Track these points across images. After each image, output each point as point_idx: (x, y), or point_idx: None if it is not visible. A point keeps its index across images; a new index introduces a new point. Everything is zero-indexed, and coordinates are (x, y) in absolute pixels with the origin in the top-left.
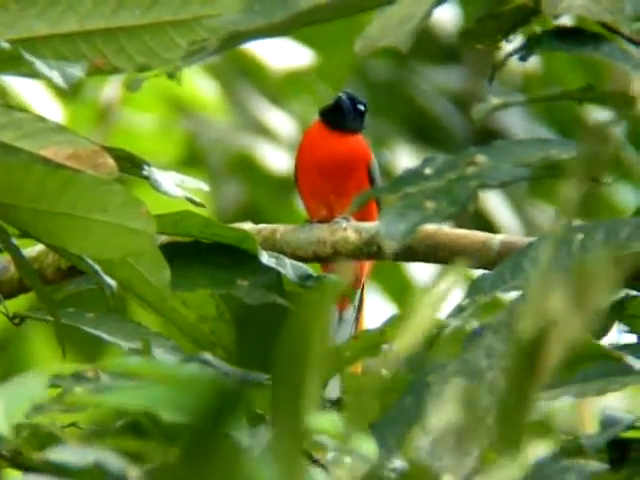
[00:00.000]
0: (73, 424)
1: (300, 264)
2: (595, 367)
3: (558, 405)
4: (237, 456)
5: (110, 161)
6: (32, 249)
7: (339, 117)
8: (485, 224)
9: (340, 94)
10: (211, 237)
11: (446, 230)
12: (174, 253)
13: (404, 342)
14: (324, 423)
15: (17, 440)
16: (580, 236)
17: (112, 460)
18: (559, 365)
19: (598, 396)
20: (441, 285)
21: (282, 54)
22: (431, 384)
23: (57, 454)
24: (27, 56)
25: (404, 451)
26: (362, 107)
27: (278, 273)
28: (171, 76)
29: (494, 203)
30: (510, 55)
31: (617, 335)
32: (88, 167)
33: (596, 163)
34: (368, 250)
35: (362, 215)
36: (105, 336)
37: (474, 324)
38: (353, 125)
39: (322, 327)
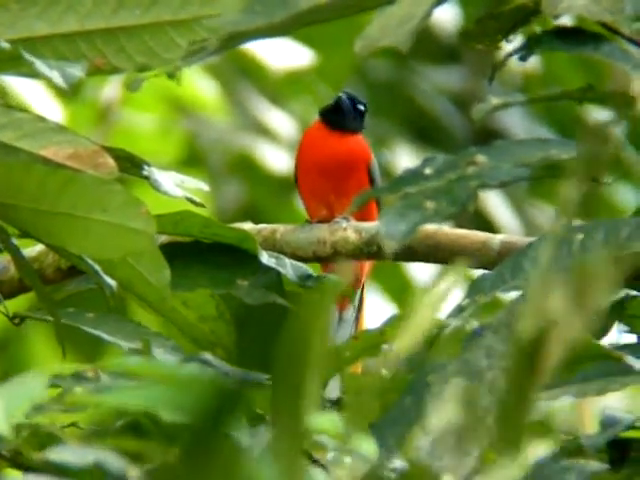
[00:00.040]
0: (73, 424)
1: (300, 264)
2: (595, 367)
3: (558, 405)
4: (237, 456)
5: (110, 161)
6: (32, 249)
7: (339, 117)
8: (485, 224)
9: (340, 94)
10: (211, 237)
11: (446, 230)
12: (174, 253)
13: (404, 342)
14: (324, 423)
15: (17, 440)
16: (580, 236)
17: (112, 460)
18: (559, 365)
19: (598, 396)
20: (441, 285)
21: (282, 54)
22: (431, 384)
23: (57, 454)
24: (27, 56)
25: (404, 451)
26: (362, 107)
27: (278, 273)
28: (171, 76)
29: (494, 203)
30: (510, 55)
31: (617, 335)
32: (88, 167)
33: (596, 163)
34: (368, 250)
35: (362, 215)
36: (105, 336)
37: (474, 324)
38: (353, 125)
39: (322, 327)
